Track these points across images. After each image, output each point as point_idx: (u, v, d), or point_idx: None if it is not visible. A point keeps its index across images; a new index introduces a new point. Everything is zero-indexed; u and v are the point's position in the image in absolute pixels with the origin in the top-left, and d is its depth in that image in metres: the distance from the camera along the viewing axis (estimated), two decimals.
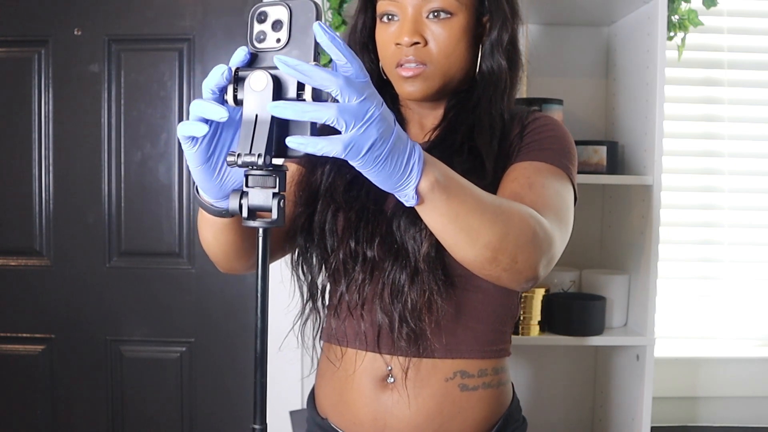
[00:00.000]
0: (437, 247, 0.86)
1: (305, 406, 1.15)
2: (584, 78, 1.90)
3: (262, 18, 0.63)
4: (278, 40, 0.62)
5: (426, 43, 0.93)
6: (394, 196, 0.69)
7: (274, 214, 0.61)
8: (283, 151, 0.62)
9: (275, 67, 0.60)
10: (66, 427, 1.91)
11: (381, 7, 0.96)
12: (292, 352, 1.39)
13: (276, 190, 0.61)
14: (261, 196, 0.61)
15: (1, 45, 1.86)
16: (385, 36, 0.96)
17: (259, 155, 0.59)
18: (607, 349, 1.83)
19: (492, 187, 0.91)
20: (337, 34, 0.60)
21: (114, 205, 1.87)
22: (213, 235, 0.86)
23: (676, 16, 1.64)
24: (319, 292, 1.00)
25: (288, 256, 1.02)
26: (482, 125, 0.95)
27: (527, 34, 1.80)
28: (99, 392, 1.90)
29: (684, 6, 1.64)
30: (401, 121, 1.03)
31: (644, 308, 1.62)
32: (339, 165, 0.95)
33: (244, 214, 0.62)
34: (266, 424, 0.62)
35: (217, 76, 0.62)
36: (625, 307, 1.72)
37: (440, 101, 1.00)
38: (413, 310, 0.90)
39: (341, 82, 0.59)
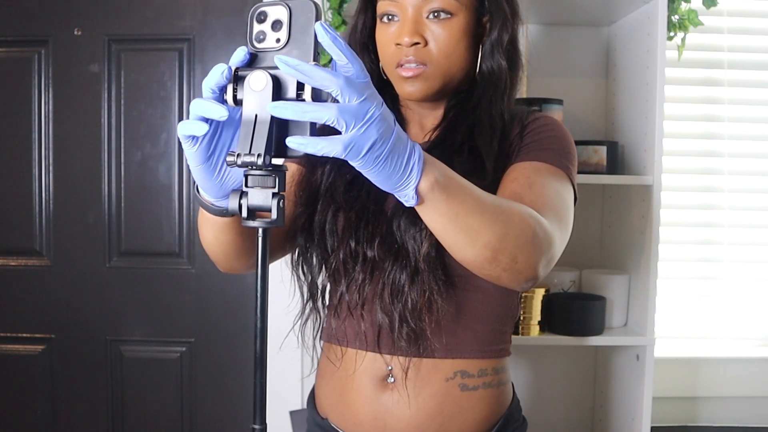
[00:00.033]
0: (437, 247, 0.86)
1: (305, 406, 1.15)
2: (584, 78, 1.90)
3: (261, 18, 0.63)
4: (278, 40, 0.62)
5: (426, 44, 0.93)
6: (394, 196, 0.69)
7: (274, 214, 0.61)
8: (282, 151, 0.62)
9: (275, 67, 0.60)
10: (66, 427, 1.91)
11: (381, 7, 0.96)
12: (292, 352, 1.39)
13: (275, 190, 0.61)
14: (260, 196, 0.61)
15: (1, 45, 1.86)
16: (386, 36, 0.96)
17: (259, 155, 0.59)
18: (607, 349, 1.83)
19: (492, 187, 0.91)
20: (338, 34, 0.60)
21: (114, 205, 1.87)
22: (213, 234, 0.86)
23: (676, 16, 1.64)
24: (319, 292, 1.00)
25: (288, 256, 1.02)
26: (482, 125, 0.95)
27: (527, 34, 1.80)
28: (99, 392, 1.90)
29: (684, 6, 1.64)
30: (401, 121, 1.03)
31: (644, 308, 1.62)
32: (339, 165, 0.95)
33: (244, 214, 0.62)
34: (266, 424, 0.62)
35: (217, 75, 0.62)
36: (625, 307, 1.72)
37: (440, 101, 1.00)
38: (413, 310, 0.90)
39: (341, 82, 0.59)
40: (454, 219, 0.72)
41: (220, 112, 0.62)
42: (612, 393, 1.81)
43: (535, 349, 1.90)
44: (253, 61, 0.63)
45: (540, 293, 1.63)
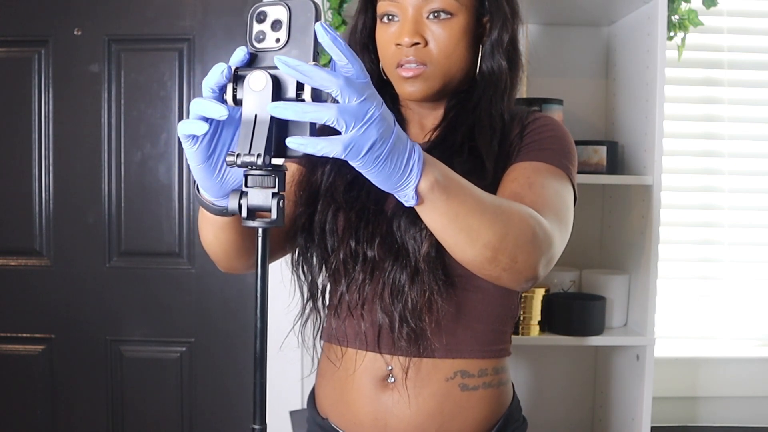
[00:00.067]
0: (437, 247, 0.86)
1: (305, 406, 1.15)
2: (584, 78, 1.90)
3: (261, 18, 0.63)
4: (278, 40, 0.62)
5: (426, 44, 0.93)
6: (394, 196, 0.69)
7: (274, 214, 0.61)
8: (282, 151, 0.62)
9: (275, 67, 0.60)
10: (66, 427, 1.91)
11: (381, 7, 0.96)
12: (292, 352, 1.39)
13: (275, 190, 0.61)
14: (260, 196, 0.61)
15: (1, 45, 1.86)
16: (386, 36, 0.96)
17: (259, 155, 0.59)
18: (607, 349, 1.83)
19: (492, 187, 0.91)
20: (338, 34, 0.60)
21: (114, 205, 1.87)
22: (213, 233, 0.86)
23: (676, 16, 1.64)
24: (319, 292, 1.00)
25: (288, 256, 1.02)
26: (482, 125, 0.95)
27: (527, 34, 1.80)
28: (99, 392, 1.90)
29: (684, 6, 1.64)
30: (401, 121, 1.03)
31: (644, 308, 1.62)
32: (339, 165, 0.95)
33: (244, 214, 0.62)
34: (266, 424, 0.62)
35: (216, 74, 0.62)
36: (625, 307, 1.72)
37: (440, 101, 1.00)
38: (413, 310, 0.90)
39: (341, 82, 0.59)
40: (454, 219, 0.72)
41: (220, 112, 0.62)
42: (612, 393, 1.81)
43: (535, 349, 1.90)
44: (252, 61, 0.63)
45: (540, 293, 1.63)
